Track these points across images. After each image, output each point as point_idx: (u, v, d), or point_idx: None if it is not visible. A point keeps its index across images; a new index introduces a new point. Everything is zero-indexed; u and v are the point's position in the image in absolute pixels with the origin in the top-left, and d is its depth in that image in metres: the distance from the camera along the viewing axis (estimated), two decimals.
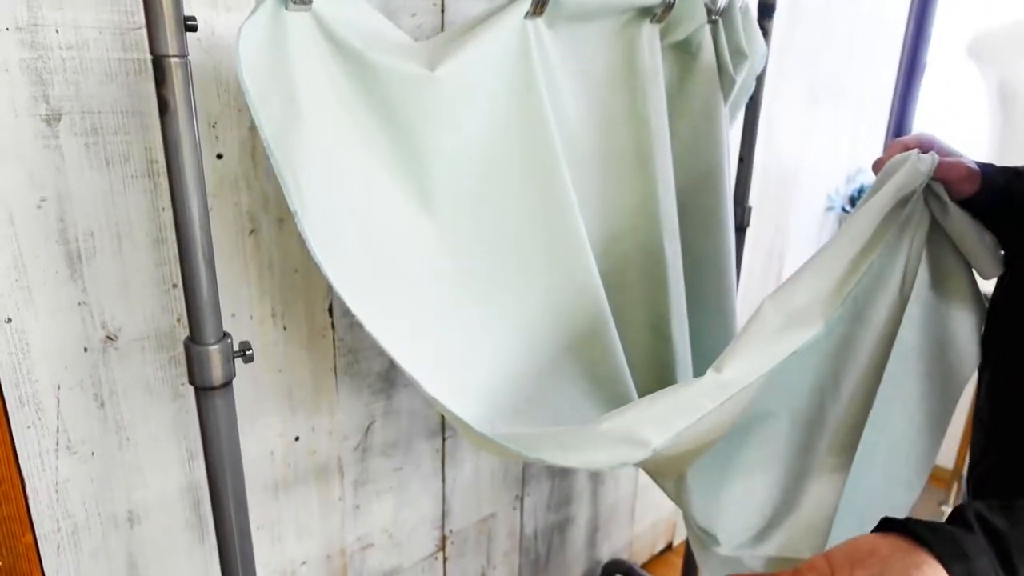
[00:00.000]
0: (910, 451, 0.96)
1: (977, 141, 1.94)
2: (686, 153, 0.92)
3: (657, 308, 0.92)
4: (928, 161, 0.70)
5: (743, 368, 0.67)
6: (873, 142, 2.02)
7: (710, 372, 0.68)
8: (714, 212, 0.99)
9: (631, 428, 0.66)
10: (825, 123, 1.78)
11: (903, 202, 0.70)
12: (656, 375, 0.95)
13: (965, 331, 0.78)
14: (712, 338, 1.04)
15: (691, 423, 0.65)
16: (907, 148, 0.73)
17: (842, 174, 1.94)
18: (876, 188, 0.73)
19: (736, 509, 0.98)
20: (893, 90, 2.03)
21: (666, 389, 0.70)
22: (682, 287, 0.93)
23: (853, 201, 1.97)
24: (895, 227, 0.72)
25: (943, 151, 0.74)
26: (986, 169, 0.72)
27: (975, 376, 0.83)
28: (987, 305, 0.79)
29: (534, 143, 0.73)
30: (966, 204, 0.73)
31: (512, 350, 0.80)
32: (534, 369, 0.81)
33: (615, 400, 0.85)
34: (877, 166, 0.75)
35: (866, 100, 1.92)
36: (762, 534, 0.98)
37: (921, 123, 2.05)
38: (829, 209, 1.92)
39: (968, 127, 1.99)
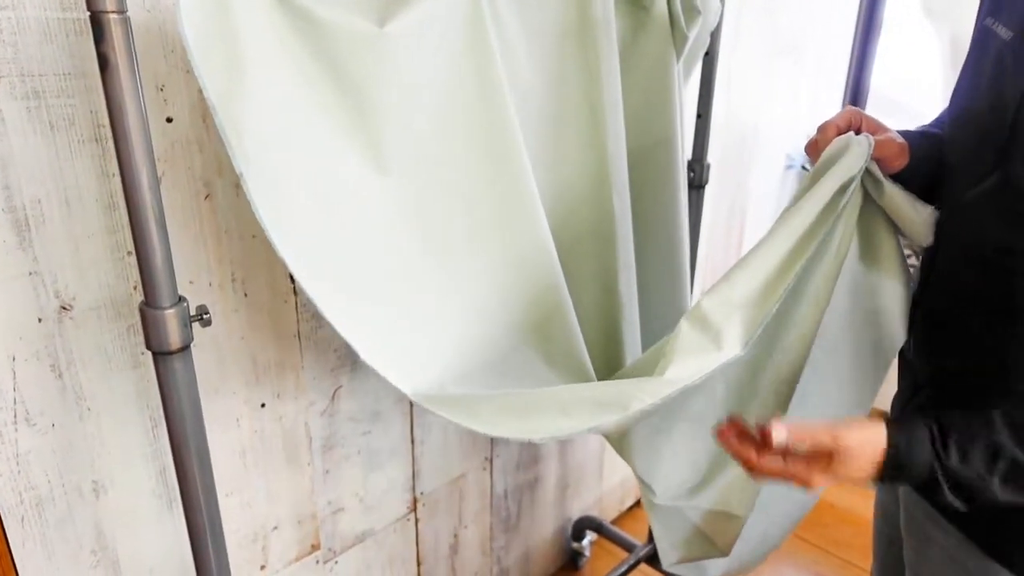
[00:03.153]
0: (838, 416, 0.99)
1: (932, 97, 1.97)
2: (638, 109, 0.93)
3: (605, 263, 0.93)
4: (866, 144, 0.71)
5: (683, 371, 0.68)
6: (832, 100, 2.04)
7: (655, 376, 0.69)
8: (665, 170, 1.00)
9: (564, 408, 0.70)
10: (784, 81, 1.80)
11: (843, 189, 0.71)
12: (604, 329, 0.97)
13: (894, 302, 0.79)
14: (662, 297, 1.05)
15: (625, 416, 0.68)
16: (840, 130, 0.74)
17: (802, 132, 1.96)
18: (819, 173, 0.73)
19: (672, 465, 1.01)
20: (851, 48, 2.05)
21: (611, 381, 0.73)
22: (630, 243, 0.94)
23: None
24: (835, 210, 0.73)
25: (872, 126, 0.75)
26: (909, 139, 0.74)
27: None
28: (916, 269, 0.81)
29: (485, 101, 0.73)
30: (895, 177, 0.74)
31: (464, 311, 0.81)
32: (487, 328, 0.83)
33: (566, 358, 0.87)
34: (812, 150, 0.76)
35: (824, 58, 1.94)
36: (696, 488, 1.02)
37: (878, 80, 2.07)
38: (789, 167, 1.95)
39: (923, 84, 2.02)
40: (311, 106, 0.64)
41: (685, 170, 1.03)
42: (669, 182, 1.00)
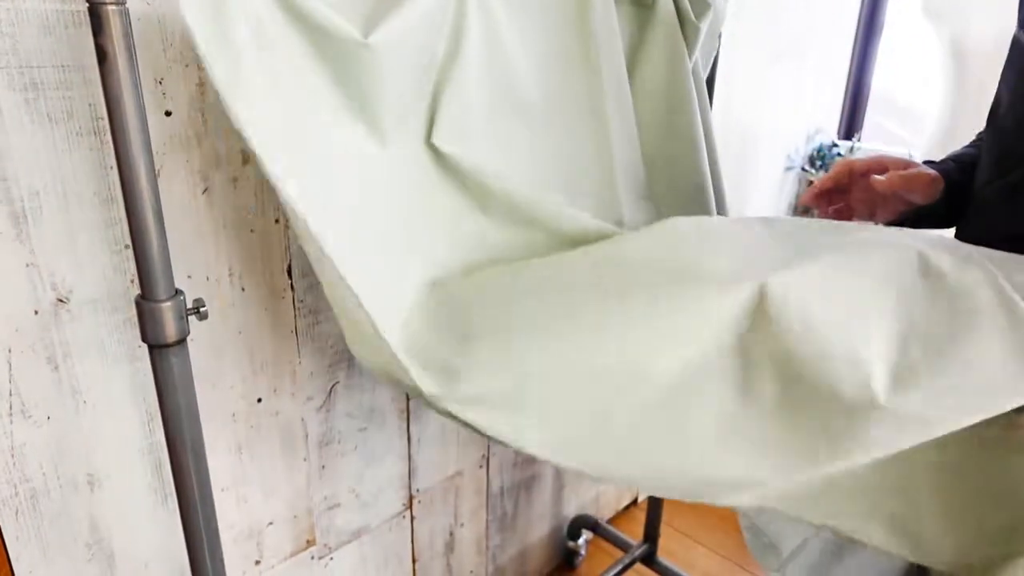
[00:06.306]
0: None
1: (932, 99, 1.97)
2: (656, 110, 0.90)
3: None
4: None
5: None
6: (832, 101, 2.04)
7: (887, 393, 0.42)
8: (691, 171, 0.95)
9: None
10: (784, 82, 1.79)
11: None
12: None
13: None
14: None
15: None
16: (857, 172, 0.74)
17: (802, 133, 1.96)
18: None
19: None
20: (852, 49, 2.05)
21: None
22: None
23: (812, 161, 2.00)
24: None
25: (899, 164, 0.74)
26: (942, 169, 0.73)
27: None
28: None
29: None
30: (930, 208, 0.73)
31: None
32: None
33: None
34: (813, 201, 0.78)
35: (825, 59, 1.93)
36: None
37: (879, 83, 2.08)
38: (788, 168, 1.95)
39: (923, 86, 2.02)
40: (312, 89, 0.63)
41: (711, 168, 0.98)
42: (697, 183, 0.95)
